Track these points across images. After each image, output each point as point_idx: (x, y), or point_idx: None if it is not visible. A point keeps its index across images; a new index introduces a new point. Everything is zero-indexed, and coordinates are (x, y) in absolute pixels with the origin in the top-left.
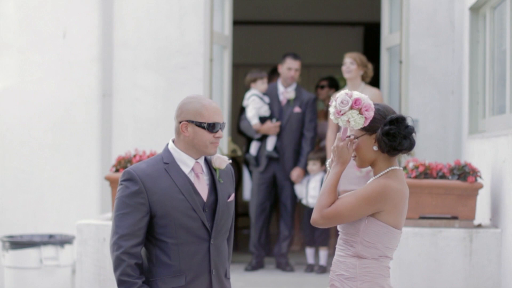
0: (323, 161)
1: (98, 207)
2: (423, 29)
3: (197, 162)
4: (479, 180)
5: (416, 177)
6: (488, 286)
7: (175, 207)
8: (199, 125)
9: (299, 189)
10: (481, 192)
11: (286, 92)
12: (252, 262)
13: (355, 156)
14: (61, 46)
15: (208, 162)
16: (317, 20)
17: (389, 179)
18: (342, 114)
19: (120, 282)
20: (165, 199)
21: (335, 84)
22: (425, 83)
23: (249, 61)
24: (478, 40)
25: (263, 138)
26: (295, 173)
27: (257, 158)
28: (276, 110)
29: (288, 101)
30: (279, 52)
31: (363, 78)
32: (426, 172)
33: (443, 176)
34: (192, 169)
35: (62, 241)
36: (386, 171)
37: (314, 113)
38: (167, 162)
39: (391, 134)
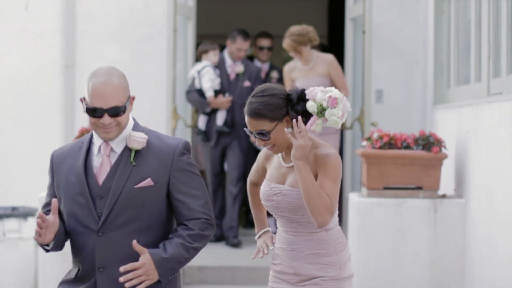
0: None
1: None
2: None
3: (105, 142)
4: (443, 150)
5: (380, 147)
6: (452, 256)
7: (67, 191)
8: (85, 106)
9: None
10: (446, 162)
11: (234, 66)
12: (216, 234)
13: (271, 147)
14: (23, 18)
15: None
16: None
17: (327, 148)
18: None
19: None
20: (62, 182)
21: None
22: (390, 54)
23: (214, 32)
24: (443, 10)
25: (212, 112)
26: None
27: (205, 133)
28: (225, 83)
29: (237, 75)
30: (244, 23)
31: (310, 45)
32: (391, 143)
33: (407, 147)
34: (100, 149)
35: (25, 214)
36: (315, 143)
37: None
38: (83, 141)
39: (306, 110)
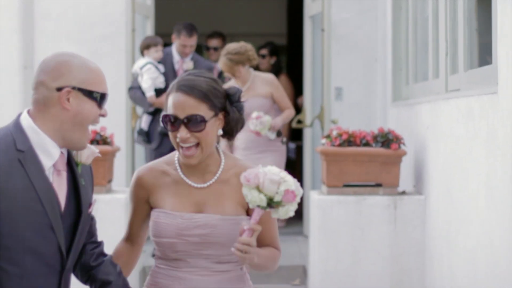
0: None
1: None
2: None
3: (62, 152)
4: (402, 147)
5: (339, 145)
6: (413, 252)
7: (30, 224)
8: (89, 95)
9: None
10: (405, 159)
11: (183, 62)
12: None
13: (194, 148)
14: None
15: (69, 153)
16: None
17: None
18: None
19: None
20: (15, 209)
21: (275, 51)
22: (349, 51)
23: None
24: (401, 7)
25: (155, 112)
26: None
27: (148, 134)
28: (171, 80)
29: (185, 71)
30: (203, 21)
31: (248, 64)
32: (350, 140)
33: (366, 144)
34: (55, 162)
35: None
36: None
37: None
38: (22, 149)
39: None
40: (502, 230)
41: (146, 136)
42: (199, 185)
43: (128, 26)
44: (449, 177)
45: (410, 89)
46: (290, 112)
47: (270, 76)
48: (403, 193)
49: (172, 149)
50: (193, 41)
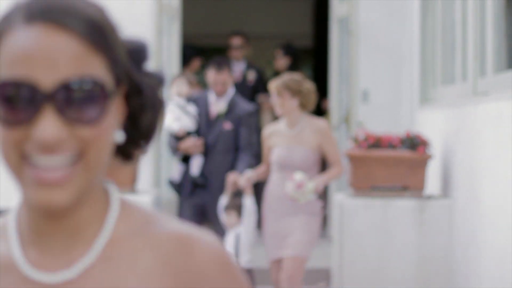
0: (239, 210)
1: None
2: None
3: None
4: (429, 150)
5: (367, 148)
6: (439, 257)
7: None
8: None
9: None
10: (432, 163)
11: (216, 104)
12: None
13: (56, 169)
14: None
15: None
16: None
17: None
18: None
19: None
20: None
21: (292, 52)
22: (376, 53)
23: (200, 32)
24: (429, 9)
25: (187, 159)
26: (231, 178)
27: (180, 185)
28: (203, 124)
29: (218, 115)
30: (228, 23)
31: (302, 106)
32: (377, 144)
33: (393, 147)
34: None
35: None
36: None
37: (251, 129)
38: None
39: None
40: None
41: (178, 187)
42: (54, 279)
43: (154, 27)
44: (476, 182)
45: (438, 92)
46: (338, 171)
47: (322, 124)
48: (430, 197)
49: (204, 202)
50: (223, 78)
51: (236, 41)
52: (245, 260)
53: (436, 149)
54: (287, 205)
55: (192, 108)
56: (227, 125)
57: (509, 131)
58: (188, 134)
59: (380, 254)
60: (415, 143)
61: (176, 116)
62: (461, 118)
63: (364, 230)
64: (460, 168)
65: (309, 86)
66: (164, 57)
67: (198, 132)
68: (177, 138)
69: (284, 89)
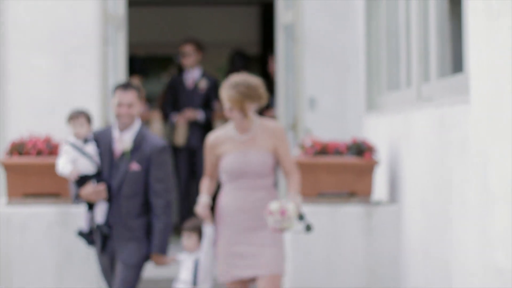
0: (200, 232)
1: None
2: (318, 6)
3: None
4: (375, 156)
5: (313, 155)
6: (387, 262)
7: None
8: None
9: None
10: (379, 169)
11: (120, 140)
12: None
13: None
14: None
15: None
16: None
17: None
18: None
19: None
20: None
21: (245, 58)
22: (322, 60)
23: (146, 41)
24: (373, 16)
25: (92, 206)
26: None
27: (89, 235)
28: (107, 165)
29: (123, 153)
30: (174, 31)
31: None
32: (323, 150)
33: (340, 154)
34: None
35: None
36: None
37: (164, 170)
38: None
39: None
40: (474, 239)
41: (87, 237)
42: None
43: (100, 37)
44: (423, 187)
45: (384, 98)
46: (298, 177)
47: (277, 126)
48: (378, 202)
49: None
50: (129, 97)
51: (187, 48)
52: None
53: (382, 154)
54: (244, 219)
55: (91, 148)
56: (134, 166)
57: (453, 136)
58: (87, 178)
59: (328, 260)
60: (361, 149)
61: (72, 158)
62: (407, 124)
63: (311, 237)
64: (407, 174)
65: (258, 82)
66: (110, 67)
67: (100, 175)
68: (78, 183)
69: (244, 99)
